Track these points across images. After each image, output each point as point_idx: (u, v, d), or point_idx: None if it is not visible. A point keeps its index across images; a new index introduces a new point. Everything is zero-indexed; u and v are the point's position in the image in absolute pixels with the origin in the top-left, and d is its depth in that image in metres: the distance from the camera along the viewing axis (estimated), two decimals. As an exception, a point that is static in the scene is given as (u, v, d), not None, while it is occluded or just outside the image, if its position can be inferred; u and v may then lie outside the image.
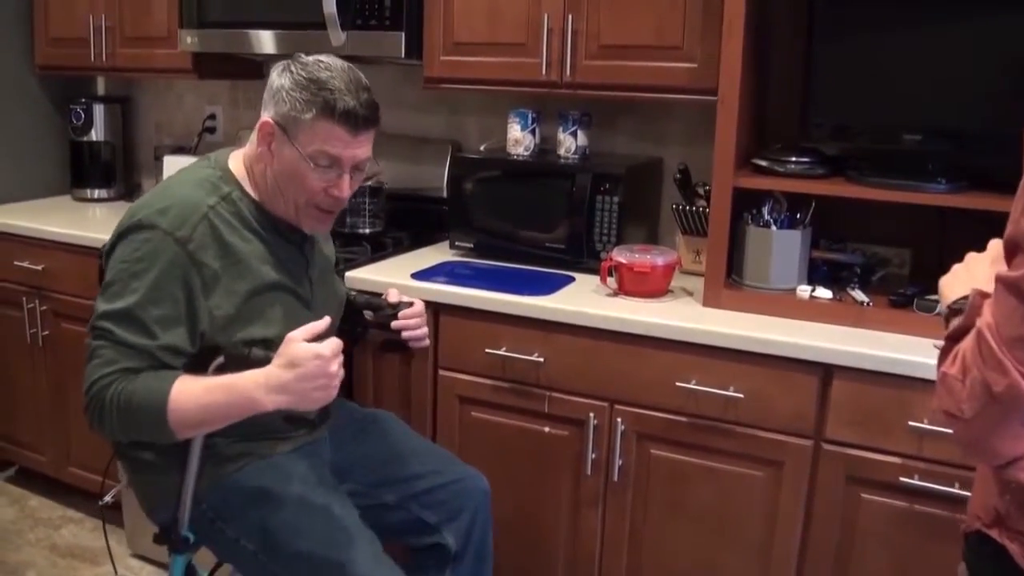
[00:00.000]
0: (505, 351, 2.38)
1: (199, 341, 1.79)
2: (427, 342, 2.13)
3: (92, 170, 3.61)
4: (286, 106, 1.78)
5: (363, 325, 2.18)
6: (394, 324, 2.06)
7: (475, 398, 2.47)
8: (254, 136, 1.86)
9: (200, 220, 1.78)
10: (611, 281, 2.42)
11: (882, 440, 2.06)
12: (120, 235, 1.80)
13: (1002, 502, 1.19)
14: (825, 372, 2.10)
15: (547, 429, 2.40)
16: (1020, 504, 1.16)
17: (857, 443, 2.09)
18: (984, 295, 1.13)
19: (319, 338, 1.68)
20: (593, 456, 2.35)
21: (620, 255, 2.40)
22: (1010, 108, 2.09)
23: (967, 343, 1.10)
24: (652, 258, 2.38)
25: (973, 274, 1.37)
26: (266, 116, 1.82)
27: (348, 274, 2.54)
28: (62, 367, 3.24)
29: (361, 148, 1.84)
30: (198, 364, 1.78)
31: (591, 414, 2.33)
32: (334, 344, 1.68)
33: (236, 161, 1.91)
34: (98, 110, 3.59)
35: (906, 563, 2.10)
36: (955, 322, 1.24)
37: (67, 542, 3.23)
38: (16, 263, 3.23)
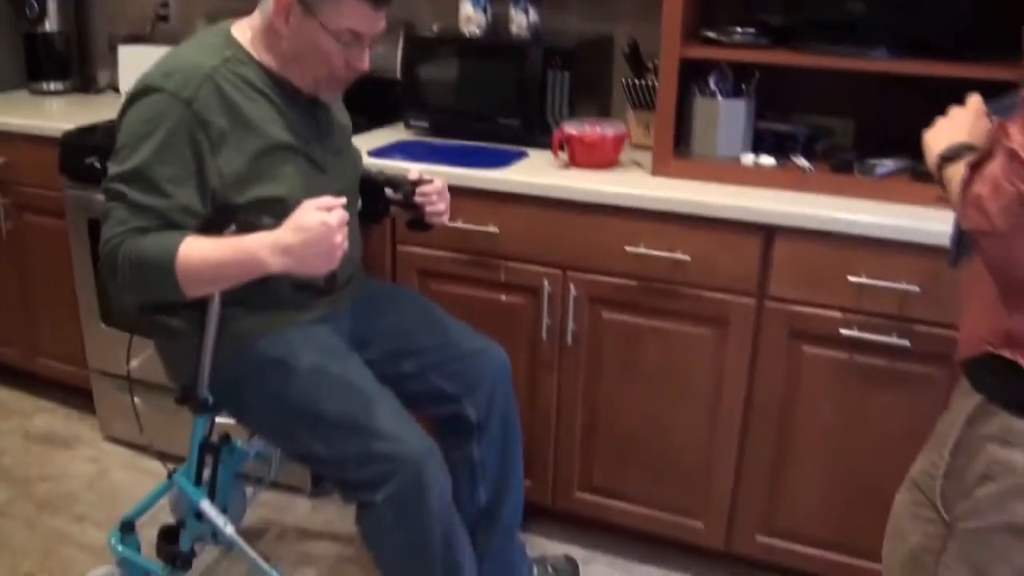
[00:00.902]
0: (461, 223, 2.44)
1: (210, 201, 1.83)
2: (447, 218, 2.17)
3: (48, 63, 3.58)
4: None
5: (384, 203, 2.22)
6: (416, 199, 2.12)
7: (434, 271, 2.53)
8: (266, 7, 1.88)
9: (204, 81, 1.81)
10: (563, 155, 2.48)
11: (822, 295, 2.16)
12: (128, 101, 1.84)
13: (1012, 321, 1.29)
14: (768, 233, 2.18)
15: (504, 298, 2.48)
16: None
17: (799, 299, 2.19)
18: (1003, 126, 1.23)
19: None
20: (548, 322, 2.43)
21: (571, 127, 2.45)
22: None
23: (995, 167, 1.20)
24: (602, 130, 2.44)
25: (958, 126, 1.48)
26: None
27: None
28: (27, 259, 3.25)
29: (382, 21, 1.89)
30: (211, 231, 1.83)
31: (545, 281, 2.41)
32: (340, 215, 1.73)
33: (240, 30, 1.94)
34: (52, 1, 3.56)
35: (847, 410, 2.22)
36: (952, 169, 1.38)
37: (40, 430, 3.30)
38: (-25, 157, 3.23)
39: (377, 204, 2.23)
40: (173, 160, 1.78)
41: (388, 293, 2.28)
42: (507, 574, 2.35)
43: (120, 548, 2.23)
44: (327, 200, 1.75)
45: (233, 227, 1.83)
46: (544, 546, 2.65)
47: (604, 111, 2.88)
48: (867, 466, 2.23)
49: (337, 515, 2.82)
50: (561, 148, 2.47)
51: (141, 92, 1.82)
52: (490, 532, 2.27)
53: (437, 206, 2.13)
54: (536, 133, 2.63)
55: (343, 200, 1.78)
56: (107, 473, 3.04)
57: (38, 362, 3.40)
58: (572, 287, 2.38)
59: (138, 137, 1.79)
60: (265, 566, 2.10)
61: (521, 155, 2.58)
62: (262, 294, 1.89)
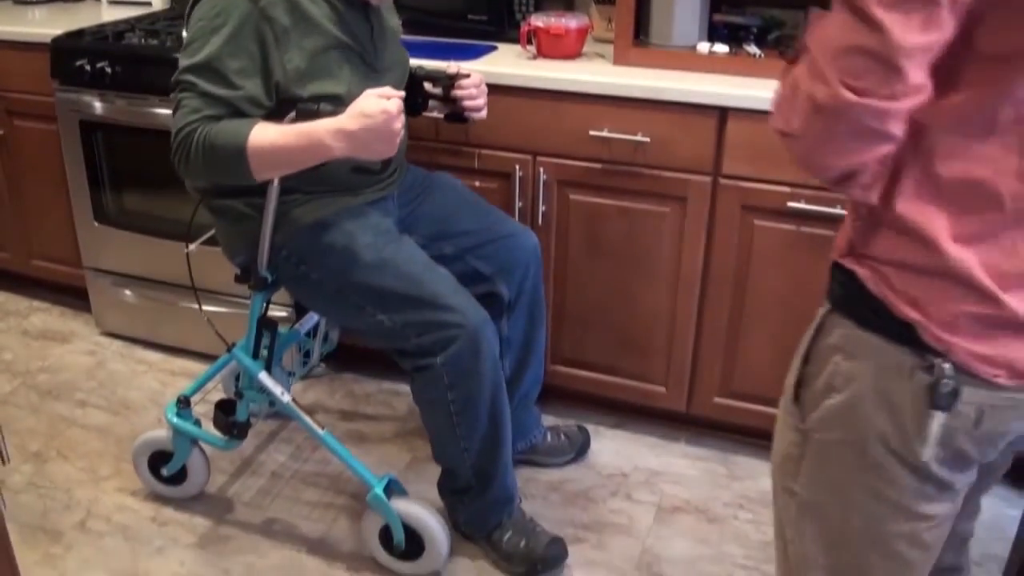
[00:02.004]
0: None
1: (275, 93, 1.95)
2: (485, 112, 2.27)
3: (28, -27, 3.68)
4: None
5: (424, 97, 2.33)
6: (455, 93, 2.22)
7: (412, 159, 2.64)
8: None
9: None
10: (530, 47, 2.63)
11: (772, 172, 2.33)
12: None
13: (853, 230, 1.21)
14: (721, 115, 2.34)
15: (478, 183, 2.63)
16: (866, 230, 1.20)
17: (750, 176, 2.36)
18: (819, 16, 1.14)
19: None
20: (520, 204, 2.60)
21: (537, 20, 2.59)
22: None
23: (800, 66, 1.10)
24: (566, 21, 2.59)
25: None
26: None
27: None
28: (18, 164, 3.35)
29: None
30: (272, 119, 1.94)
31: (516, 167, 2.56)
32: (399, 103, 1.86)
33: None
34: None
35: (795, 278, 2.40)
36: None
37: (37, 328, 3.45)
38: (-37, 65, 3.31)
39: (416, 98, 2.35)
40: (241, 53, 1.90)
41: (428, 180, 2.41)
42: (522, 437, 2.57)
43: (176, 420, 2.36)
44: (387, 89, 1.88)
45: (293, 114, 1.95)
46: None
47: (568, 5, 3.01)
48: (814, 329, 2.42)
49: (327, 393, 3.01)
50: (528, 41, 2.62)
51: None
52: (510, 400, 2.45)
53: (476, 100, 2.24)
54: (505, 27, 2.78)
55: (401, 92, 1.91)
56: (104, 364, 3.20)
57: (32, 264, 3.52)
58: (541, 171, 2.54)
59: (207, 31, 1.90)
60: (320, 431, 2.24)
61: (491, 49, 2.73)
62: (321, 180, 2.03)
